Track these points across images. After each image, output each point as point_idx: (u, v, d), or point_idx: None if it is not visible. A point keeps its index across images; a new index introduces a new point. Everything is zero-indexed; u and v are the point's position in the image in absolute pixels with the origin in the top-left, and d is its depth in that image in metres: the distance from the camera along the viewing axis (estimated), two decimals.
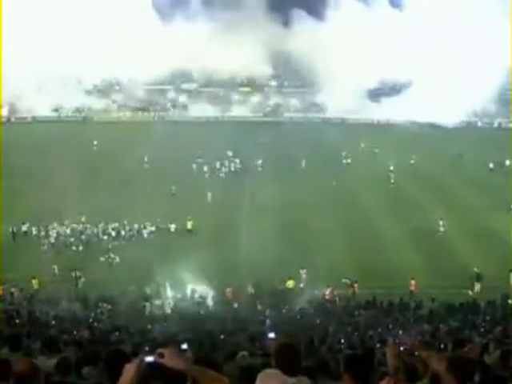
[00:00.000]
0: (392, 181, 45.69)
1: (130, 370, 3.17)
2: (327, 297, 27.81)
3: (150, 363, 3.19)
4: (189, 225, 36.03)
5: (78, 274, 29.40)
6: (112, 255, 32.57)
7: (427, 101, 57.96)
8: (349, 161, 51.30)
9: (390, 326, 20.80)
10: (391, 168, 47.56)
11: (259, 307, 26.79)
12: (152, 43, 63.26)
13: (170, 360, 3.22)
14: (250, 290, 28.47)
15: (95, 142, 56.16)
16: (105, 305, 26.58)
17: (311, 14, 67.92)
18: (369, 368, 4.71)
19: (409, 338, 5.46)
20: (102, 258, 32.42)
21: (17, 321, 19.04)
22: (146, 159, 49.76)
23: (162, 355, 3.23)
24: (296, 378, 4.46)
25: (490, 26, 58.57)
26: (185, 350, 8.87)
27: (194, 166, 48.68)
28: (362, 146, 54.90)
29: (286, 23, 67.82)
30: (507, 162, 48.71)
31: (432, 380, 4.83)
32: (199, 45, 63.32)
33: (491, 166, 48.05)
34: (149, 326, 21.64)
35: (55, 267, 29.85)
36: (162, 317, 25.20)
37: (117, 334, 18.17)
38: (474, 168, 48.12)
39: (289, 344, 4.68)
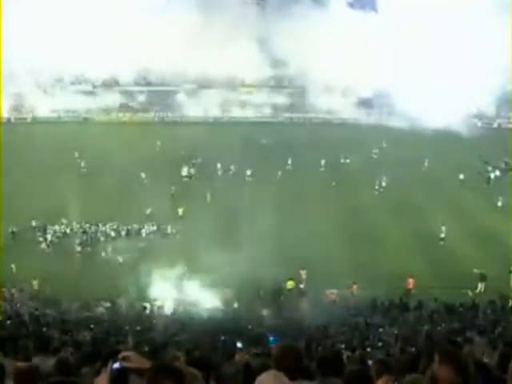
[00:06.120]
0: (392, 182, 45.64)
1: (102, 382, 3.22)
2: (329, 298, 27.79)
3: (118, 369, 3.22)
4: (180, 212, 37.86)
5: (77, 274, 29.43)
6: (112, 255, 32.59)
7: (426, 102, 57.88)
8: (347, 161, 51.39)
9: (391, 327, 20.77)
10: (390, 169, 47.54)
11: (259, 308, 26.77)
12: (151, 43, 63.23)
13: (136, 362, 3.26)
14: (250, 290, 28.46)
15: (95, 143, 56.15)
16: (105, 305, 26.59)
17: (308, 13, 67.71)
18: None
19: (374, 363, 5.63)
20: (101, 259, 32.44)
21: (17, 321, 19.04)
22: (145, 159, 49.75)
23: (127, 358, 3.28)
24: (297, 381, 4.46)
25: (489, 25, 58.54)
26: (240, 349, 9.05)
27: (193, 166, 48.66)
28: (367, 146, 54.80)
29: (281, 22, 67.69)
30: (490, 171, 47.77)
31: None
32: (198, 45, 63.31)
33: (458, 178, 46.10)
34: (148, 327, 21.62)
35: (13, 266, 29.52)
36: (162, 317, 25.19)
37: (116, 334, 18.16)
38: (473, 169, 48.06)
39: (290, 347, 4.68)
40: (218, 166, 49.13)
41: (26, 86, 65.13)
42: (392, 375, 5.18)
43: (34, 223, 35.71)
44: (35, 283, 28.62)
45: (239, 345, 9.93)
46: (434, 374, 4.36)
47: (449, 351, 4.10)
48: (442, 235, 34.39)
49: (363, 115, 67.11)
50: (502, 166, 48.40)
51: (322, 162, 49.84)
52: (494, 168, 47.98)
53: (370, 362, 7.81)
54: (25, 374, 4.35)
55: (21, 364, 5.04)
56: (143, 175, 45.97)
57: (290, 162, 49.56)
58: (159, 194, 41.21)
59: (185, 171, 47.57)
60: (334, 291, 27.89)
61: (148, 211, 37.55)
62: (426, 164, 49.76)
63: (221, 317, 24.70)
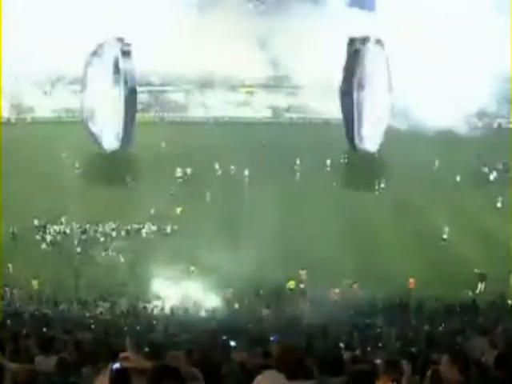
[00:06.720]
0: (392, 182, 45.64)
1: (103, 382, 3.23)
2: (330, 297, 27.78)
3: (118, 369, 3.25)
4: (178, 211, 38.06)
5: (77, 274, 29.42)
6: (112, 255, 32.60)
7: (426, 102, 57.86)
8: (346, 161, 51.42)
9: (391, 327, 20.76)
10: (391, 169, 47.56)
11: (259, 308, 26.77)
12: (151, 43, 63.25)
13: (136, 363, 3.29)
14: (250, 290, 28.47)
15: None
16: (105, 305, 26.60)
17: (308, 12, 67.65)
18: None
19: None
20: (101, 258, 32.44)
21: (17, 321, 19.01)
22: (146, 159, 49.76)
23: (127, 359, 3.32)
24: (297, 381, 4.46)
25: (489, 25, 58.54)
26: (235, 348, 9.00)
27: (193, 166, 48.64)
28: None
29: (281, 22, 67.65)
30: (488, 172, 47.69)
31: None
32: (198, 45, 63.32)
33: (458, 179, 45.85)
34: (148, 327, 21.61)
35: (10, 266, 29.48)
36: (162, 317, 25.19)
37: (116, 334, 18.14)
38: (473, 169, 48.03)
39: (291, 347, 4.69)
40: (218, 166, 49.12)
41: (25, 86, 65.12)
42: (393, 375, 5.17)
43: (34, 223, 35.71)
44: (35, 283, 28.62)
45: (233, 343, 9.84)
46: (437, 373, 4.39)
47: (458, 352, 4.15)
48: (445, 236, 34.40)
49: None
50: (500, 166, 48.39)
51: (328, 161, 49.75)
52: (492, 169, 47.97)
53: (377, 362, 7.78)
54: (23, 379, 4.34)
55: (20, 367, 5.03)
56: (143, 174, 45.98)
57: (289, 162, 49.43)
58: (159, 193, 41.29)
59: (179, 172, 47.52)
60: (337, 290, 27.89)
61: (148, 210, 37.60)
62: (426, 164, 49.58)
63: (221, 317, 24.70)
